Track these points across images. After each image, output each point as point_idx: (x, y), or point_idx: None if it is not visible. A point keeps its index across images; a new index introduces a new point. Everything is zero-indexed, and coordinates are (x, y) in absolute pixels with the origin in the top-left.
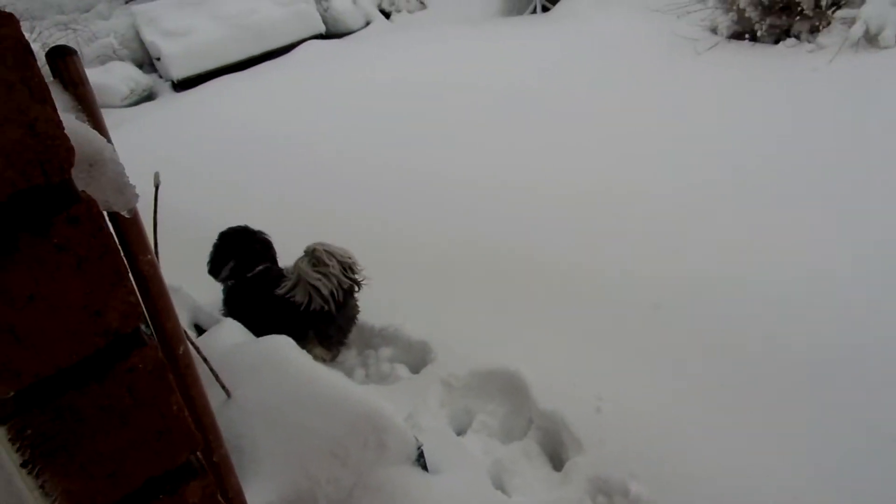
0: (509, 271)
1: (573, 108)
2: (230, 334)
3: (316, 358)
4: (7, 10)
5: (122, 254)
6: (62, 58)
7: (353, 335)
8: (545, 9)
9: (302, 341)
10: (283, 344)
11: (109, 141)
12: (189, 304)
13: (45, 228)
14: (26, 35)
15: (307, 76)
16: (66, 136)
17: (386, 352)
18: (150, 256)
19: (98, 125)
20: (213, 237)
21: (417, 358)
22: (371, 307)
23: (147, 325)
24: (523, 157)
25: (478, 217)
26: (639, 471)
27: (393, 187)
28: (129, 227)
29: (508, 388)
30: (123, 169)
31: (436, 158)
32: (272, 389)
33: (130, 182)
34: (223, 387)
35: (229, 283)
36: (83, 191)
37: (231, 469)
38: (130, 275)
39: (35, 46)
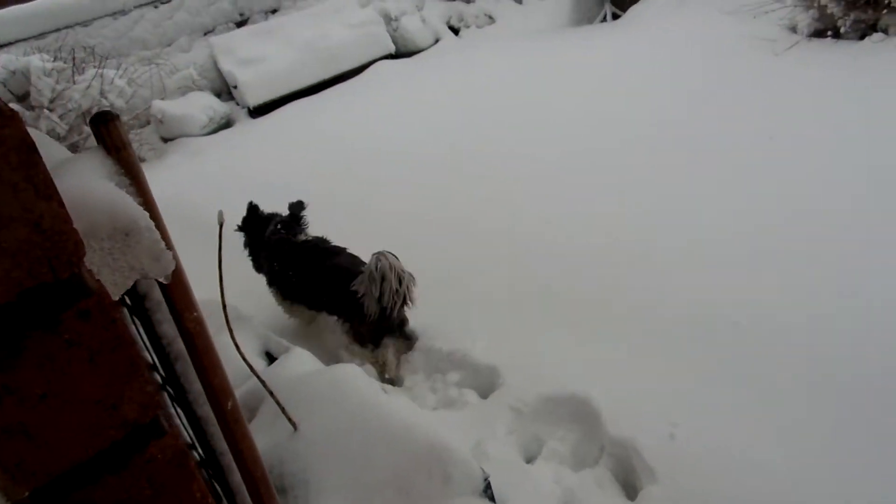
0: (579, 294)
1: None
2: (299, 363)
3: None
4: (96, 48)
5: (137, 344)
6: (105, 123)
7: (421, 359)
8: (615, 16)
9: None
10: (350, 373)
11: (152, 204)
12: (259, 332)
13: (55, 325)
14: (112, 72)
15: (378, 96)
16: (73, 230)
17: (454, 376)
18: (195, 314)
19: (140, 188)
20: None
21: (486, 382)
22: (440, 331)
23: (157, 373)
24: (605, 187)
25: (549, 240)
26: (716, 502)
27: (463, 207)
28: (174, 285)
29: (579, 414)
30: (159, 236)
31: (504, 171)
32: (339, 421)
33: (166, 249)
34: (289, 419)
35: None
36: (97, 280)
37: None
38: (150, 362)
39: (121, 82)
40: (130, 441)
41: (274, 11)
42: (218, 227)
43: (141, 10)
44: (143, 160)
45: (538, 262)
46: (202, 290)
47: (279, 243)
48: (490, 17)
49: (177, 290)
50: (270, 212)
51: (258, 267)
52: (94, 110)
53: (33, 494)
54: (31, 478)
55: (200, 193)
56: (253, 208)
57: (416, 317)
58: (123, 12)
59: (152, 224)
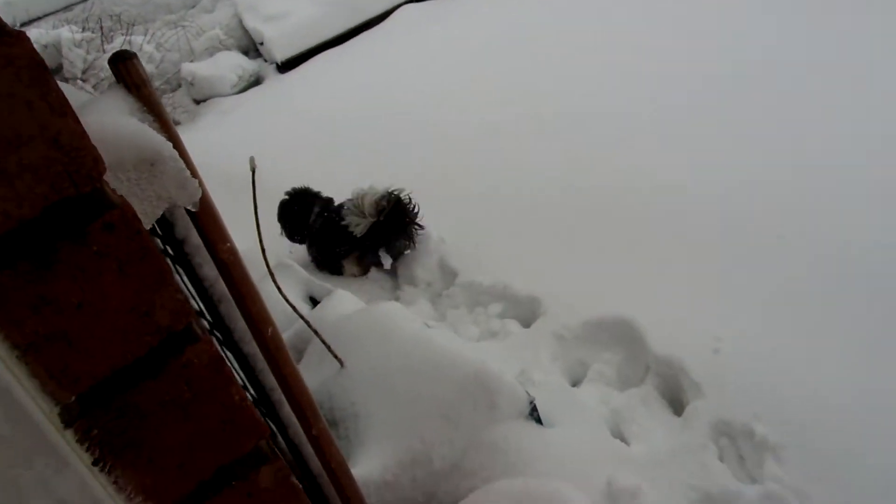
0: (617, 219)
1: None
2: (341, 304)
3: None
4: (122, 15)
5: (163, 255)
6: (122, 62)
7: (461, 294)
8: None
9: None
10: (392, 310)
11: (176, 137)
12: (301, 278)
13: (83, 237)
14: (140, 38)
15: (403, 41)
16: (91, 145)
17: (496, 308)
18: (228, 244)
19: (163, 124)
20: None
21: (528, 312)
22: (480, 264)
23: (204, 319)
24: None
25: (581, 163)
26: (763, 412)
27: (499, 139)
28: (205, 218)
29: (623, 336)
30: (183, 165)
31: (535, 100)
32: (383, 356)
33: (191, 177)
34: (336, 357)
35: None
36: (120, 195)
37: (331, 441)
38: (183, 278)
39: (149, 47)
40: (166, 347)
41: None
42: (251, 174)
43: None
44: (177, 123)
45: (566, 193)
46: (242, 241)
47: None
48: None
49: (207, 220)
50: (300, 189)
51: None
52: None
53: (79, 398)
54: (76, 383)
55: (234, 151)
56: (284, 205)
57: (454, 252)
58: None
59: (176, 153)
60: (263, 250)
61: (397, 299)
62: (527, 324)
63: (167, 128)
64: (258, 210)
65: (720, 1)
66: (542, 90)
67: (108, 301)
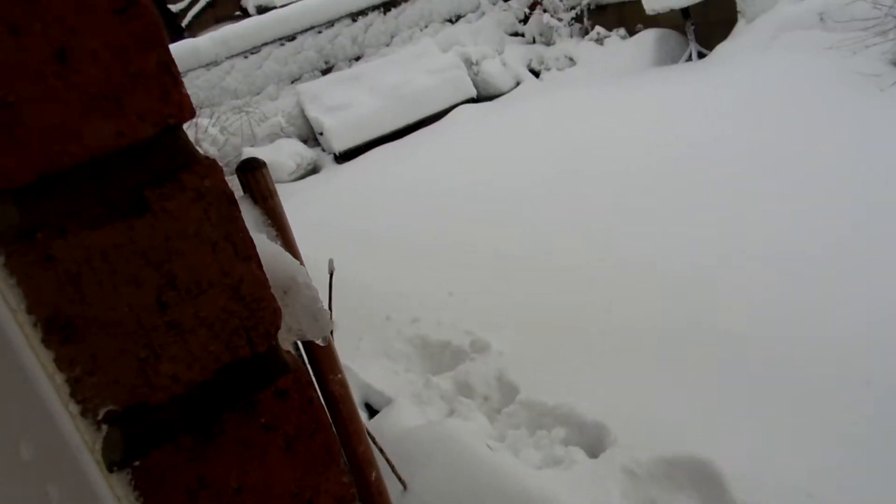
0: (697, 345)
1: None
2: (400, 417)
3: None
4: (191, 97)
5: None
6: (252, 171)
7: (523, 413)
8: (701, 55)
9: None
10: (455, 430)
11: (297, 254)
12: (359, 382)
13: (252, 406)
14: (206, 121)
15: (460, 139)
16: (272, 296)
17: (559, 432)
18: (340, 376)
19: (287, 241)
20: (379, 304)
21: (594, 440)
22: (543, 382)
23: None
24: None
25: (659, 287)
26: None
27: (565, 246)
28: (318, 346)
29: (699, 478)
30: (317, 293)
31: (594, 217)
32: (448, 480)
33: (325, 308)
34: (399, 478)
35: None
36: (292, 355)
37: None
38: (326, 410)
39: (214, 130)
40: None
41: (357, 59)
42: (328, 276)
43: (232, 61)
44: None
45: (644, 305)
46: None
47: None
48: (571, 59)
49: (322, 348)
50: None
51: None
52: None
53: None
54: None
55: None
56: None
57: (515, 365)
58: (216, 63)
59: (310, 280)
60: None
61: (452, 412)
62: (593, 453)
63: (291, 245)
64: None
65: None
66: (607, 200)
67: (269, 485)
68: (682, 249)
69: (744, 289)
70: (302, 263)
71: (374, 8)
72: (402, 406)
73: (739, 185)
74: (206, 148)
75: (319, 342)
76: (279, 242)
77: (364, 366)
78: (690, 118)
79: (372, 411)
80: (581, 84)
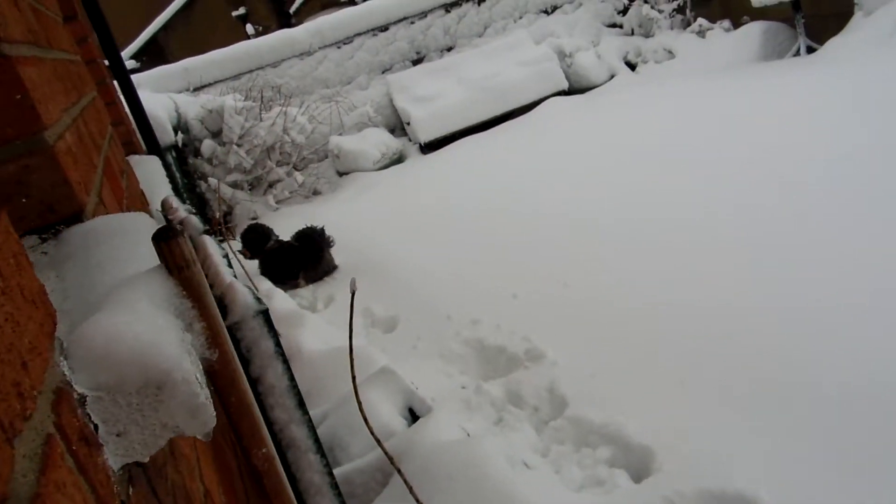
0: (759, 372)
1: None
2: (438, 429)
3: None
4: (283, 87)
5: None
6: (166, 241)
7: (569, 429)
8: (810, 50)
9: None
10: (491, 451)
11: (215, 327)
12: (401, 387)
13: None
14: (295, 110)
15: (546, 132)
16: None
17: (604, 452)
18: (264, 450)
19: (206, 313)
20: (442, 301)
21: (639, 464)
22: (593, 397)
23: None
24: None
25: (728, 304)
26: None
27: (632, 250)
28: (240, 419)
29: None
30: (198, 388)
31: (669, 224)
32: None
33: (207, 403)
34: (417, 501)
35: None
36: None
37: None
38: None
39: (303, 119)
40: None
41: (449, 49)
42: (350, 294)
43: (325, 51)
44: (318, 193)
45: (714, 334)
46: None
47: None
48: (670, 52)
49: (243, 422)
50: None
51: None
52: (277, 146)
53: None
54: None
55: (365, 228)
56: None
57: (567, 378)
58: (309, 53)
59: (191, 374)
60: (354, 378)
61: (500, 420)
62: (637, 478)
63: (206, 312)
64: (353, 333)
65: None
66: (698, 203)
67: None
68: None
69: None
70: (222, 340)
71: None
72: (442, 417)
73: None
74: (294, 136)
75: (202, 438)
76: (196, 314)
77: (418, 366)
78: (809, 122)
79: (415, 417)
80: (679, 78)
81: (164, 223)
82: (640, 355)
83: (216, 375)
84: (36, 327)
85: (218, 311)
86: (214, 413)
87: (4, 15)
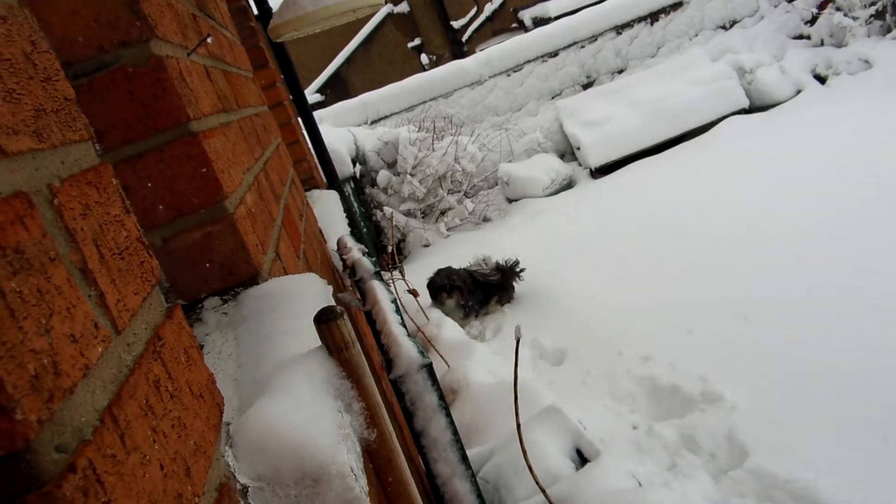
0: None
1: None
2: (607, 476)
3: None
4: (454, 117)
5: None
6: (327, 323)
7: (750, 481)
8: None
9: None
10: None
11: (373, 406)
12: (569, 427)
13: None
14: (466, 139)
15: (723, 155)
16: None
17: None
18: None
19: (362, 389)
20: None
21: None
22: (779, 447)
23: None
24: None
25: None
26: None
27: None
28: (396, 497)
29: None
30: (352, 482)
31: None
32: None
33: (361, 496)
34: None
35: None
36: None
37: None
38: None
39: (473, 147)
40: None
41: (620, 72)
42: (515, 343)
43: (495, 80)
44: (488, 220)
45: None
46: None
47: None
48: (866, 62)
49: (399, 501)
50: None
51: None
52: (449, 175)
53: None
54: None
55: (532, 258)
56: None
57: (749, 424)
58: (479, 82)
59: (345, 467)
60: (518, 424)
61: (674, 466)
62: None
63: (367, 396)
64: (518, 373)
65: None
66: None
67: None
68: None
69: None
70: (380, 420)
71: (641, 20)
72: (611, 463)
73: None
74: (465, 165)
75: None
76: (355, 394)
77: (586, 404)
78: None
79: (583, 459)
80: (877, 90)
81: (339, 262)
82: (833, 403)
83: (374, 455)
84: (202, 423)
85: (377, 391)
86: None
87: (196, 92)
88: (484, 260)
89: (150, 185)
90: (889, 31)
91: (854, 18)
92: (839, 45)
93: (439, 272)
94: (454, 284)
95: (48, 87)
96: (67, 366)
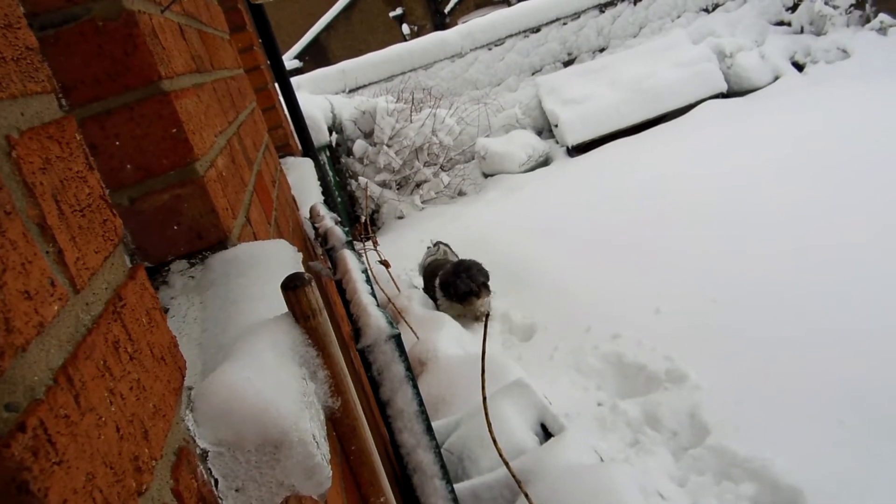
0: None
1: None
2: (570, 451)
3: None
4: (433, 89)
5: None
6: (294, 290)
7: (709, 458)
8: None
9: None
10: (623, 479)
11: (340, 378)
12: (535, 401)
13: None
14: (444, 111)
15: (700, 138)
16: None
17: (748, 488)
18: (383, 499)
19: (331, 361)
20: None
21: None
22: (738, 426)
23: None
24: None
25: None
26: None
27: (799, 271)
28: (360, 466)
29: None
30: (313, 449)
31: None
32: None
33: (322, 463)
34: None
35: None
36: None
37: None
38: None
39: (451, 120)
40: None
41: (602, 50)
42: (483, 318)
43: (476, 53)
44: (463, 194)
45: (879, 364)
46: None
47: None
48: (843, 52)
49: (363, 471)
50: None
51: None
52: (426, 147)
53: None
54: None
55: (508, 235)
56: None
57: (711, 403)
58: (460, 55)
59: (307, 434)
60: (485, 398)
61: (636, 443)
62: None
63: (332, 364)
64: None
65: None
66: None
67: None
68: None
69: None
70: (344, 388)
71: None
72: (574, 437)
73: None
74: (442, 138)
75: (317, 498)
76: (320, 362)
77: (554, 379)
78: None
79: (548, 434)
80: (853, 79)
81: (311, 230)
82: (794, 386)
83: (338, 423)
84: (162, 386)
85: (342, 360)
86: (330, 475)
87: (169, 50)
88: (438, 247)
89: (118, 143)
90: (868, 21)
91: (834, 7)
92: (819, 34)
93: (458, 273)
94: (482, 282)
95: (8, 34)
96: (20, 322)
